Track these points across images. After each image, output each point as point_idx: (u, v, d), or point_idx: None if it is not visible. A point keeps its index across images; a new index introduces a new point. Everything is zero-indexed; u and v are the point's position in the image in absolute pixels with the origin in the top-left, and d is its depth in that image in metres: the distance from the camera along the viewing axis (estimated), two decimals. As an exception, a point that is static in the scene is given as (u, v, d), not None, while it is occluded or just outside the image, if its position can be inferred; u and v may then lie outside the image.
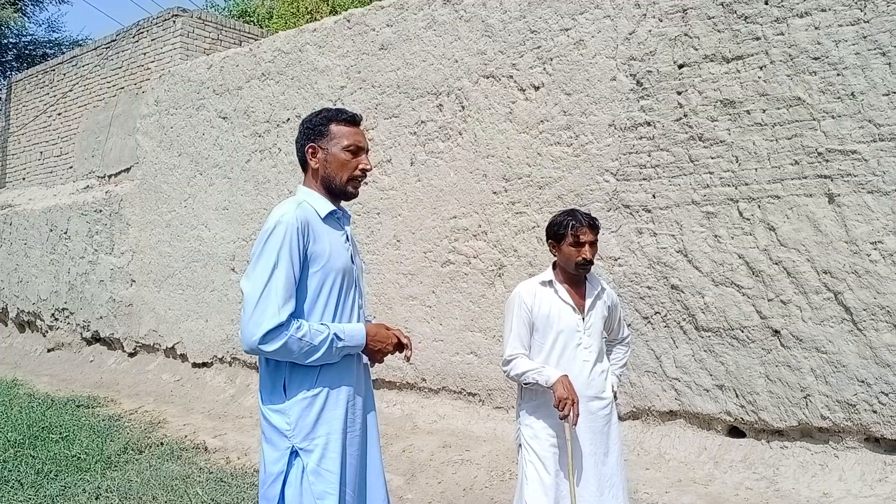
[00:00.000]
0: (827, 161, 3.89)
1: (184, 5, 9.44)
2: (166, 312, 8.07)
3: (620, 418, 4.67)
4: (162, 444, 5.30)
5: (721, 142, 4.24)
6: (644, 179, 4.56)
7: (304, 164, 2.32)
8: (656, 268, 4.51)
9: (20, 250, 10.44)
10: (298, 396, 2.12)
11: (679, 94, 4.42)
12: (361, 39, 6.22)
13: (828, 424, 3.90)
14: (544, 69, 5.04)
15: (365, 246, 6.08)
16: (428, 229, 5.69)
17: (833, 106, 3.87)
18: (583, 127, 4.83)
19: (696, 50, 4.35)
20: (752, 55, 4.14)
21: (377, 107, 6.05)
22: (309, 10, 12.29)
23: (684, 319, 4.41)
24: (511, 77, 5.22)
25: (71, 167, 10.60)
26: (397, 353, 2.35)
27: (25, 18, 18.68)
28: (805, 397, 3.96)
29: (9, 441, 5.18)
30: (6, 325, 11.26)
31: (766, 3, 4.10)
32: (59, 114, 10.98)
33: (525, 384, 2.74)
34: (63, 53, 12.63)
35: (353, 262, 2.31)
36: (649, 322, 4.56)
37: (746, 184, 4.15)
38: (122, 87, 9.66)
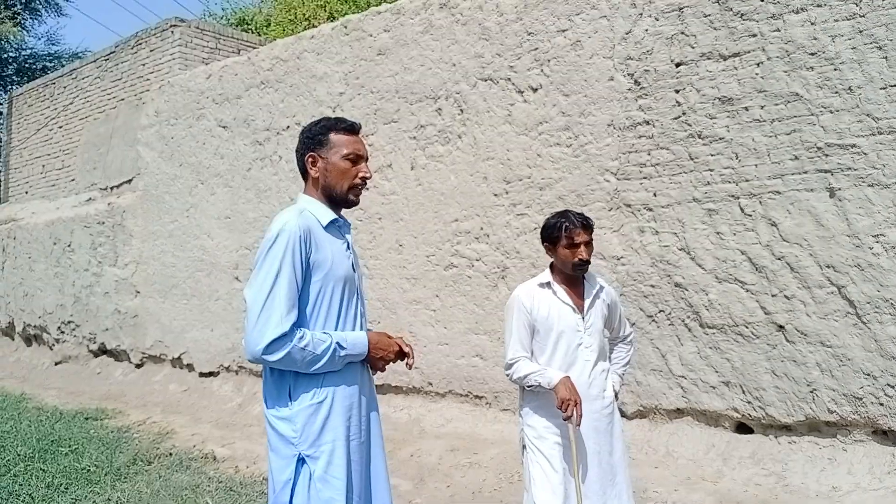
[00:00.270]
0: (826, 155, 3.89)
1: (181, 15, 9.47)
2: (171, 323, 8.09)
3: (628, 417, 4.69)
4: (171, 454, 5.32)
5: (720, 139, 4.25)
6: (644, 178, 4.57)
7: (304, 173, 2.34)
8: (659, 266, 4.52)
9: (25, 264, 10.47)
10: (304, 404, 2.13)
11: (677, 92, 4.42)
12: (359, 45, 6.24)
13: (835, 418, 3.90)
14: (542, 71, 5.05)
15: (367, 251, 6.10)
16: (430, 233, 5.70)
17: (831, 101, 3.88)
18: (582, 127, 4.85)
19: (693, 48, 4.36)
20: (749, 52, 4.15)
21: (376, 112, 6.07)
22: (306, 16, 12.33)
23: (689, 317, 4.41)
24: (509, 79, 5.23)
25: (73, 180, 10.64)
26: (399, 360, 2.37)
27: (25, 32, 18.77)
28: (811, 392, 3.96)
29: (19, 455, 5.20)
30: (13, 340, 11.30)
31: (762, 0, 4.11)
32: (61, 127, 11.03)
33: (528, 387, 2.75)
34: (63, 66, 12.69)
35: (354, 270, 2.32)
36: (654, 320, 4.56)
37: (747, 180, 4.16)
38: (123, 99, 9.69)
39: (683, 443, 4.43)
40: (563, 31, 4.94)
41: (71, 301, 9.52)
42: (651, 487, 4.02)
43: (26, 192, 11.83)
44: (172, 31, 8.96)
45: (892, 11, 3.70)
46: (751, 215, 4.15)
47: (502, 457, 4.67)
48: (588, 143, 4.82)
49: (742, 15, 4.17)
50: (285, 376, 2.16)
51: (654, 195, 4.52)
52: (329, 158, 2.27)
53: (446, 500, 4.28)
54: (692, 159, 4.36)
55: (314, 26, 9.61)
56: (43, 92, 11.53)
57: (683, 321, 4.44)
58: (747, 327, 4.18)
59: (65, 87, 10.95)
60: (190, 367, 7.94)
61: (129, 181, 9.23)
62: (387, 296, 5.99)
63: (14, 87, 14.53)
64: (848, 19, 3.84)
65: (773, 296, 4.09)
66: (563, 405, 2.57)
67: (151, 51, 9.23)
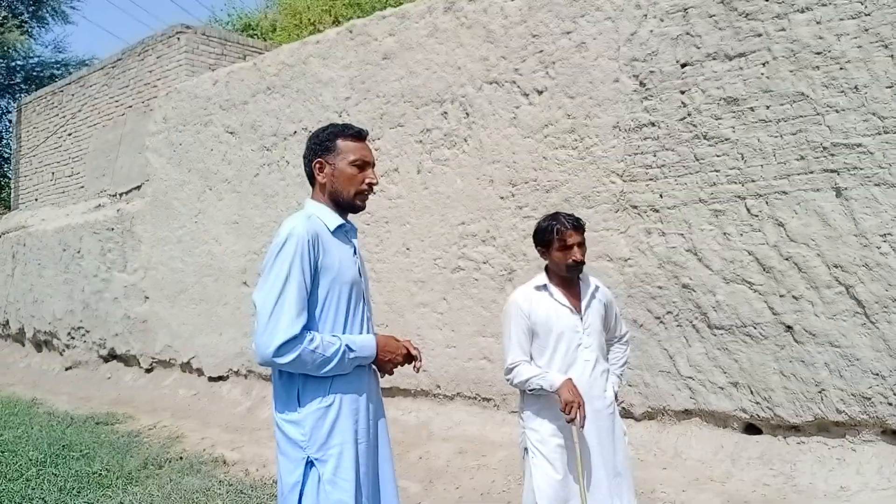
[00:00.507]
0: (833, 155, 3.89)
1: (187, 22, 9.52)
2: (180, 327, 8.13)
3: (636, 419, 4.69)
4: (181, 458, 5.35)
5: (726, 139, 4.25)
6: (651, 180, 4.57)
7: (311, 179, 2.36)
8: (666, 267, 4.52)
9: (34, 270, 10.55)
10: (312, 407, 2.15)
11: (682, 93, 4.43)
12: (364, 50, 6.26)
13: (844, 418, 3.89)
14: (547, 73, 5.06)
15: (374, 255, 6.12)
16: (437, 236, 5.72)
17: (837, 100, 3.87)
18: (587, 129, 4.85)
19: (699, 49, 4.36)
20: (755, 52, 4.15)
21: (382, 116, 6.10)
22: (312, 21, 12.36)
23: (696, 318, 4.41)
24: (514, 82, 5.25)
25: (82, 187, 10.71)
26: (407, 364, 2.39)
27: (32, 40, 18.91)
28: (820, 392, 3.95)
29: (31, 460, 5.24)
30: (23, 346, 11.38)
31: (767, 0, 4.11)
32: (69, 134, 11.10)
33: (530, 391, 2.75)
34: (70, 74, 12.79)
35: (360, 274, 2.34)
36: (661, 322, 4.56)
37: (753, 180, 4.16)
38: (130, 106, 9.76)
39: (692, 444, 4.42)
40: (568, 33, 4.95)
41: (80, 307, 9.58)
42: (659, 488, 4.02)
43: (36, 199, 11.91)
44: (179, 38, 9.02)
45: (897, 10, 3.70)
46: (757, 216, 4.15)
47: (511, 459, 4.68)
48: (594, 145, 4.82)
49: (747, 15, 4.18)
50: (294, 380, 2.18)
51: (661, 196, 4.53)
52: (336, 164, 2.30)
53: (455, 502, 4.29)
54: (698, 160, 4.37)
55: (320, 31, 9.65)
56: (51, 100, 11.61)
57: (691, 322, 4.44)
58: (755, 328, 4.18)
59: (73, 95, 11.02)
60: (199, 372, 7.98)
61: (138, 187, 9.29)
62: (394, 299, 6.01)
63: (22, 96, 14.65)
64: (853, 18, 3.83)
65: (780, 296, 4.08)
66: (566, 408, 2.57)
67: (158, 57, 9.29)
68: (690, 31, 4.39)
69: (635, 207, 4.64)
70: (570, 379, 2.65)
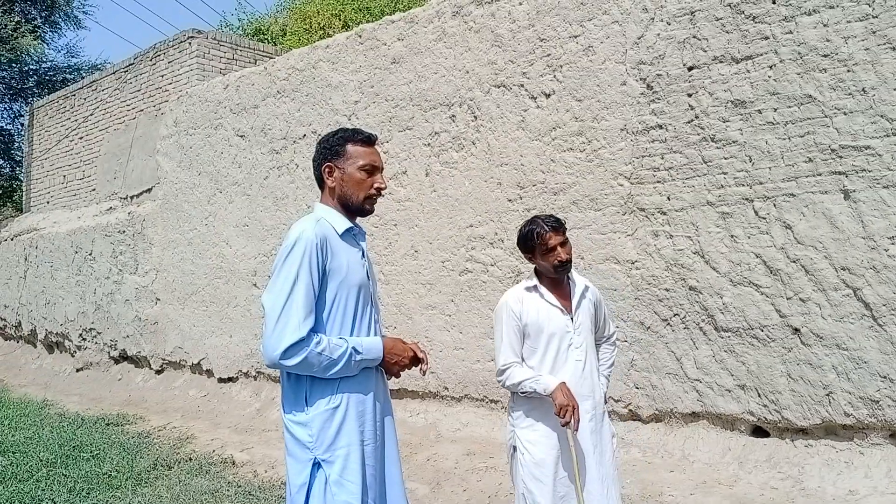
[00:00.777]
0: (841, 157, 3.89)
1: (198, 26, 9.60)
2: (191, 329, 8.19)
3: (643, 421, 4.70)
4: (191, 459, 5.39)
5: (734, 142, 4.25)
6: (658, 182, 4.58)
7: (320, 183, 2.39)
8: (674, 270, 4.52)
9: (47, 273, 10.64)
10: (320, 409, 2.18)
11: (690, 96, 4.44)
12: (373, 54, 6.30)
13: (852, 421, 3.88)
14: (555, 76, 5.08)
15: (383, 257, 6.15)
16: (445, 239, 5.74)
17: (844, 102, 3.87)
18: (595, 132, 4.87)
19: (706, 51, 4.37)
20: (762, 55, 4.15)
21: (391, 120, 6.13)
22: (321, 25, 12.43)
23: (703, 320, 4.41)
24: (522, 86, 5.27)
25: (94, 189, 10.80)
26: (413, 366, 2.41)
27: (45, 45, 19.06)
28: (828, 395, 3.95)
29: (41, 460, 5.29)
30: (35, 347, 11.48)
31: (774, 3, 4.12)
32: (81, 138, 11.20)
33: (522, 393, 2.75)
34: (82, 78, 12.88)
35: (368, 277, 2.37)
36: (669, 324, 4.56)
37: (761, 183, 4.16)
38: (142, 110, 9.84)
39: (699, 446, 4.42)
40: (576, 36, 4.97)
41: (92, 308, 9.66)
42: (667, 491, 4.02)
43: (48, 202, 12.02)
44: (190, 43, 9.09)
45: (905, 13, 3.69)
46: (765, 218, 4.15)
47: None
48: (601, 147, 4.84)
49: (754, 18, 4.18)
50: (302, 382, 2.20)
51: (668, 199, 4.53)
52: (346, 169, 2.32)
53: (463, 503, 4.30)
54: (706, 163, 4.37)
55: (329, 35, 9.70)
56: (63, 104, 11.72)
57: (698, 324, 4.44)
58: (762, 330, 4.17)
59: (85, 99, 11.13)
60: (209, 373, 8.03)
61: (149, 190, 9.36)
62: (402, 301, 6.03)
63: (35, 100, 14.77)
64: (861, 20, 3.83)
65: (788, 299, 4.08)
66: (561, 411, 2.58)
67: (170, 62, 9.37)
68: (697, 34, 4.40)
69: (643, 210, 4.65)
70: (564, 382, 2.65)
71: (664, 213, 4.55)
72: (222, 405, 7.43)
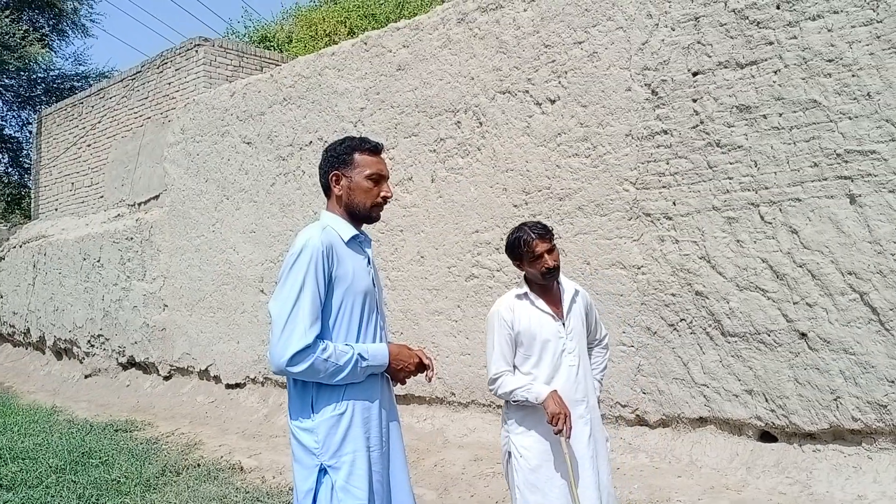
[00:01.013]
0: (846, 162, 3.89)
1: (205, 34, 9.66)
2: (199, 335, 8.22)
3: (650, 426, 4.69)
4: (199, 465, 5.40)
5: (739, 147, 4.26)
6: (664, 187, 4.59)
7: (327, 190, 2.41)
8: (680, 275, 4.53)
9: (55, 279, 10.70)
10: (326, 415, 2.19)
11: (694, 101, 4.44)
12: (379, 61, 6.33)
13: (859, 426, 3.87)
14: (559, 82, 5.09)
15: (389, 263, 6.16)
16: (451, 244, 5.76)
17: (849, 107, 3.87)
18: (600, 138, 4.88)
19: (710, 57, 4.38)
20: (766, 60, 4.16)
21: (396, 126, 6.15)
22: (327, 32, 12.49)
23: (710, 325, 4.41)
24: (527, 92, 5.29)
25: (101, 196, 10.87)
26: (419, 373, 2.42)
27: (52, 53, 19.21)
28: (835, 399, 3.94)
29: (50, 467, 5.32)
30: (44, 354, 11.54)
31: (778, 8, 4.13)
32: (89, 145, 11.28)
33: (514, 401, 2.76)
34: (90, 86, 12.98)
35: (374, 284, 2.38)
36: (675, 329, 4.56)
37: (766, 187, 4.16)
38: (149, 117, 9.90)
39: (707, 451, 4.41)
40: (580, 42, 4.98)
41: (100, 315, 9.71)
42: (675, 497, 4.02)
43: (56, 209, 12.10)
44: (197, 51, 9.16)
45: (910, 17, 3.70)
46: (771, 223, 4.15)
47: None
48: (606, 153, 4.85)
49: (758, 23, 4.19)
50: (308, 388, 2.22)
51: (674, 204, 4.54)
52: (352, 177, 2.34)
53: (470, 509, 4.30)
54: (711, 168, 4.38)
55: (335, 42, 9.75)
56: (71, 111, 11.81)
57: (705, 329, 4.44)
58: (769, 335, 4.17)
59: (92, 107, 11.20)
60: (217, 379, 8.06)
61: (157, 197, 9.42)
62: (409, 307, 6.05)
63: (43, 107, 14.87)
64: (865, 25, 3.84)
65: (794, 303, 4.08)
66: (553, 420, 2.58)
67: (177, 70, 9.43)
68: (702, 39, 4.41)
69: (648, 215, 4.66)
70: (555, 391, 2.66)
71: (670, 219, 4.56)
72: (230, 411, 7.46)
